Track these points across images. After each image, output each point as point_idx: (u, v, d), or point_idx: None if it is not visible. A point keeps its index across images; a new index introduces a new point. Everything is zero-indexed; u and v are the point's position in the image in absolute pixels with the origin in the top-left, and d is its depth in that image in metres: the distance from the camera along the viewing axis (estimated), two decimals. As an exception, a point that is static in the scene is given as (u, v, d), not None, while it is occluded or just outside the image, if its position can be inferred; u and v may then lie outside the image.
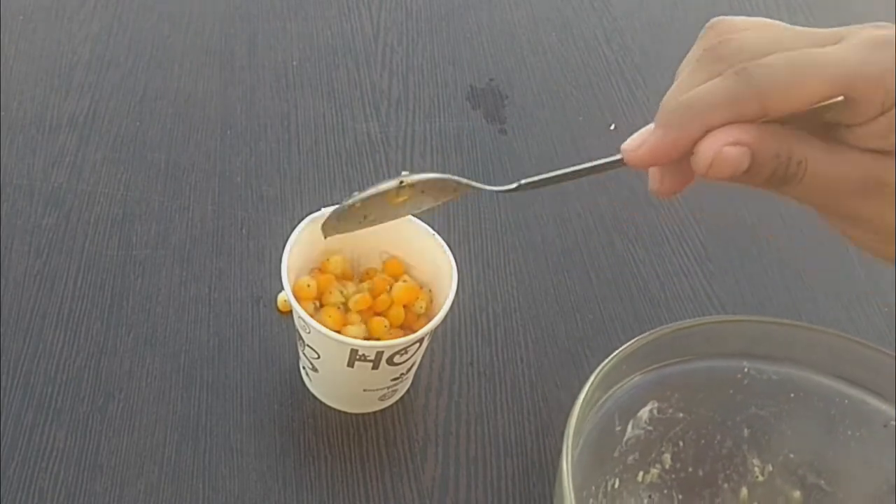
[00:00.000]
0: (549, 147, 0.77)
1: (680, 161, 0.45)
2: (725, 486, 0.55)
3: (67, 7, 0.81)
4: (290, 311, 0.56)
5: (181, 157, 0.71)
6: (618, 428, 0.52)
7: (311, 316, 0.54)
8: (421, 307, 0.58)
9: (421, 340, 0.55)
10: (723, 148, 0.43)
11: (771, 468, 0.55)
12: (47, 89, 0.74)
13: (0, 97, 0.73)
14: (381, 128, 0.76)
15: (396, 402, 0.60)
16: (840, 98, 0.42)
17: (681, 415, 0.54)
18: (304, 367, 0.60)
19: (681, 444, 0.55)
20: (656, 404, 0.53)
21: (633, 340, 0.50)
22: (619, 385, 0.51)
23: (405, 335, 0.55)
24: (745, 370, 0.53)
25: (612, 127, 0.79)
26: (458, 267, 0.56)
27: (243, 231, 0.68)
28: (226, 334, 0.62)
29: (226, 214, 0.68)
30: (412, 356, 0.56)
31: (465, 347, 0.63)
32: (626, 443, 0.53)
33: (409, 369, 0.58)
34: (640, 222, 0.73)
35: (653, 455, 0.54)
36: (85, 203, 0.67)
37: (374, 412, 0.60)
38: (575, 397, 0.47)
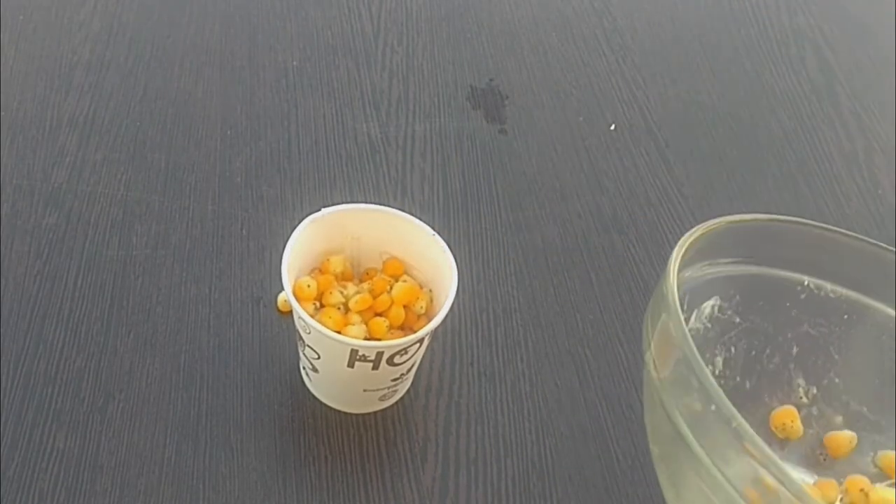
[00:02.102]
0: (549, 147, 0.77)
1: None
2: (770, 403, 0.55)
3: (67, 7, 0.81)
4: (291, 312, 0.57)
5: (181, 157, 0.71)
6: (684, 315, 0.51)
7: (312, 316, 0.54)
8: (421, 307, 0.58)
9: (421, 341, 0.55)
10: None
11: (815, 390, 0.55)
12: (47, 89, 0.74)
13: (0, 97, 0.73)
14: (381, 128, 0.76)
15: (396, 403, 0.60)
16: None
17: (737, 319, 0.53)
18: (304, 368, 0.60)
19: (733, 350, 0.54)
20: (718, 301, 0.52)
21: (712, 221, 0.49)
22: (691, 269, 0.50)
23: (405, 335, 0.55)
24: (805, 283, 0.52)
25: (613, 127, 0.79)
26: (458, 267, 0.56)
27: (243, 231, 0.68)
28: (226, 334, 0.62)
29: (226, 215, 0.68)
30: (412, 356, 0.56)
31: (465, 348, 0.63)
32: (689, 332, 0.53)
33: (409, 369, 0.58)
34: (640, 222, 0.73)
35: (707, 355, 0.53)
36: (85, 203, 0.67)
37: (375, 412, 0.60)
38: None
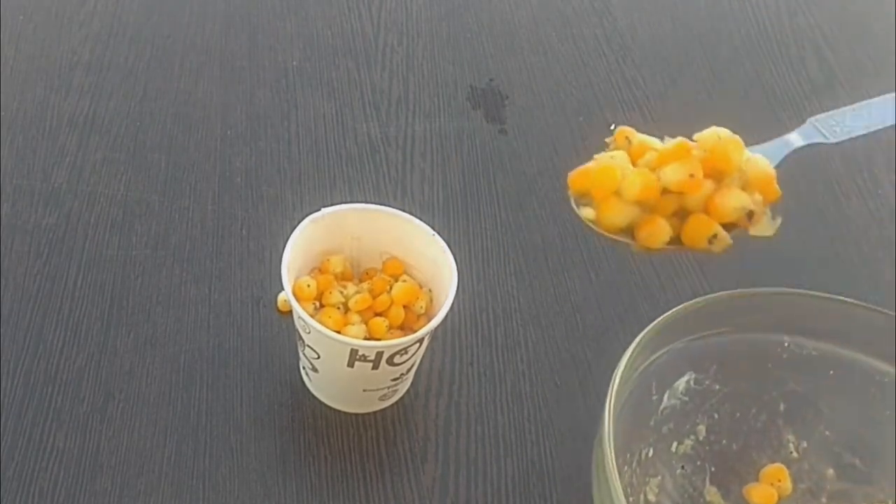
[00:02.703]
0: (549, 147, 0.77)
1: None
2: (759, 461, 0.55)
3: (67, 7, 0.81)
4: (290, 312, 0.56)
5: (181, 157, 0.71)
6: (654, 397, 0.51)
7: (311, 316, 0.54)
8: (421, 307, 0.57)
9: (421, 340, 0.55)
10: None
11: (805, 444, 0.55)
12: (47, 89, 0.74)
13: (0, 97, 0.73)
14: (381, 128, 0.76)
15: (396, 403, 0.60)
16: None
17: (717, 387, 0.53)
18: (304, 368, 0.60)
19: (716, 415, 0.54)
20: (693, 375, 0.52)
21: (674, 309, 0.49)
22: (658, 354, 0.50)
23: (405, 335, 0.55)
24: (786, 344, 0.52)
25: (613, 127, 0.79)
26: (458, 267, 0.56)
27: (243, 231, 0.68)
28: (226, 334, 0.62)
29: (226, 215, 0.68)
30: (412, 356, 0.56)
31: (465, 347, 0.63)
32: (662, 412, 0.52)
33: (409, 369, 0.58)
34: (641, 222, 0.73)
35: (687, 426, 0.54)
36: (85, 203, 0.67)
37: (374, 412, 0.60)
38: (615, 365, 0.47)
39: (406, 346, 0.54)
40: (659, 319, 0.49)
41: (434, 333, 0.56)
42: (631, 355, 0.47)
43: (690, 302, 0.50)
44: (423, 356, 0.59)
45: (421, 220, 0.58)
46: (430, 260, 0.58)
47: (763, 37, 0.89)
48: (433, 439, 0.59)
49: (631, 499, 0.44)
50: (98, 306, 0.62)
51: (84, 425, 0.57)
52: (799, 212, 0.74)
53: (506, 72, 0.82)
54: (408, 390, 0.61)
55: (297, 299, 0.55)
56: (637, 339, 0.48)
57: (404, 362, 0.56)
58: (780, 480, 0.54)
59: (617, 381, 0.46)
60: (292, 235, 0.56)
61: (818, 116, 0.50)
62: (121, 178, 0.69)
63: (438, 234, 0.58)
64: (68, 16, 0.80)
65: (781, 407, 0.54)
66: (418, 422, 0.60)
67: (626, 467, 0.51)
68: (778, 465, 0.55)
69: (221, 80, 0.77)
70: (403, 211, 0.59)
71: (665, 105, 0.81)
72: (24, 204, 0.67)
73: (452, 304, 0.55)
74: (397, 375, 0.57)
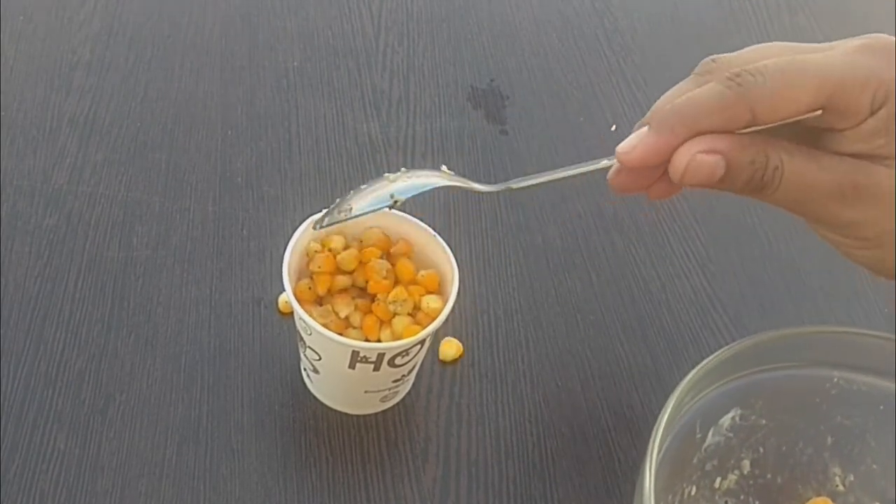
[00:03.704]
0: (550, 148, 0.77)
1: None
2: (805, 494, 0.55)
3: (67, 7, 0.81)
4: (291, 313, 0.56)
5: (182, 157, 0.71)
6: (698, 435, 0.51)
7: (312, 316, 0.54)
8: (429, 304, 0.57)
9: (422, 342, 0.55)
10: (696, 156, 0.43)
11: (852, 478, 0.54)
12: (47, 89, 0.74)
13: (0, 97, 0.73)
14: (381, 128, 0.76)
15: (397, 404, 0.60)
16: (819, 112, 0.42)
17: (763, 421, 0.53)
18: (305, 369, 0.60)
19: (761, 450, 0.54)
20: (739, 411, 0.52)
21: (719, 352, 0.49)
22: (702, 394, 0.50)
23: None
24: (834, 380, 0.52)
25: (614, 128, 0.79)
26: (459, 268, 0.56)
27: (244, 232, 0.67)
28: (227, 336, 0.62)
29: (227, 215, 0.68)
30: (413, 358, 0.56)
31: (466, 348, 0.63)
32: (706, 450, 0.52)
33: (410, 371, 0.58)
34: (641, 222, 0.73)
35: (732, 461, 0.54)
36: (85, 204, 0.67)
37: (375, 413, 0.60)
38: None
39: (407, 347, 0.54)
40: (706, 361, 0.48)
41: (435, 335, 0.56)
42: (678, 399, 0.47)
43: (738, 342, 0.50)
44: (425, 357, 0.59)
45: (422, 220, 0.58)
46: (432, 261, 0.58)
47: (763, 37, 0.89)
48: (434, 440, 0.59)
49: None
50: (99, 307, 0.62)
51: (85, 427, 0.57)
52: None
53: (506, 72, 0.82)
54: (409, 392, 0.61)
55: (299, 301, 0.55)
56: (683, 383, 0.47)
57: (405, 364, 0.56)
58: None
59: (662, 426, 0.46)
60: (293, 236, 0.56)
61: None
62: (121, 179, 0.69)
63: (439, 234, 0.58)
64: (68, 16, 0.80)
65: (829, 440, 0.54)
66: (419, 423, 0.60)
67: None
68: (824, 498, 0.54)
69: (222, 81, 0.77)
70: (404, 211, 0.59)
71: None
72: (24, 205, 0.67)
73: (453, 306, 0.55)
74: (398, 377, 0.57)
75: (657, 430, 0.46)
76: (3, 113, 0.72)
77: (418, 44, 0.83)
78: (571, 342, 0.65)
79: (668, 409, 0.46)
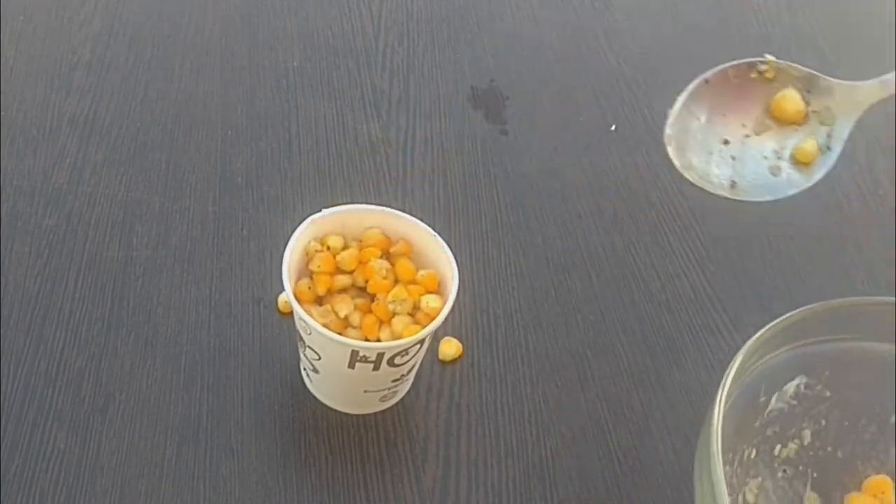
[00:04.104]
0: (550, 148, 0.77)
1: None
2: (864, 472, 0.54)
3: (67, 7, 0.81)
4: (291, 312, 0.56)
5: (182, 157, 0.71)
6: (762, 399, 0.51)
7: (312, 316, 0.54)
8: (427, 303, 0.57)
9: (422, 341, 0.55)
10: None
11: None
12: (47, 89, 0.74)
13: (0, 97, 0.73)
14: (381, 128, 0.76)
15: (397, 404, 0.60)
16: None
17: (828, 393, 0.52)
18: (304, 369, 0.60)
19: (823, 422, 0.53)
20: (805, 379, 0.52)
21: (788, 314, 0.49)
22: (770, 355, 0.49)
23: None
24: None
25: (613, 128, 0.79)
26: (458, 268, 0.56)
27: (244, 232, 0.67)
28: (226, 335, 0.62)
29: (226, 215, 0.68)
30: (413, 357, 0.56)
31: (465, 348, 0.63)
32: (768, 415, 0.52)
33: (409, 370, 0.58)
34: (641, 222, 0.73)
35: (793, 430, 0.53)
36: (85, 204, 0.67)
37: (375, 413, 0.60)
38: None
39: (407, 347, 0.54)
40: (776, 321, 0.48)
41: (435, 334, 0.56)
42: (746, 355, 0.46)
43: (811, 306, 0.49)
44: (424, 357, 0.59)
45: (422, 220, 0.58)
46: (432, 261, 0.58)
47: (763, 37, 0.89)
48: (434, 440, 0.59)
49: (729, 498, 0.43)
50: (99, 307, 0.62)
51: (85, 426, 0.57)
52: (799, 212, 0.74)
53: (506, 72, 0.82)
54: (408, 391, 0.61)
55: (298, 300, 0.55)
56: (753, 339, 0.47)
57: (405, 363, 0.56)
58: (883, 492, 0.53)
59: (730, 379, 0.45)
60: (293, 236, 0.56)
61: None
62: (121, 179, 0.69)
63: (439, 234, 0.58)
64: (68, 16, 0.80)
65: (892, 419, 0.53)
66: (419, 423, 0.60)
67: (727, 466, 0.50)
68: (883, 476, 0.54)
69: (222, 81, 0.77)
70: (404, 211, 0.59)
71: (665, 105, 0.81)
72: (24, 204, 0.67)
73: (453, 305, 0.55)
74: (398, 376, 0.57)
75: (723, 386, 0.45)
76: (3, 113, 0.72)
77: (418, 44, 0.83)
78: (571, 342, 0.65)
79: (735, 366, 0.46)
